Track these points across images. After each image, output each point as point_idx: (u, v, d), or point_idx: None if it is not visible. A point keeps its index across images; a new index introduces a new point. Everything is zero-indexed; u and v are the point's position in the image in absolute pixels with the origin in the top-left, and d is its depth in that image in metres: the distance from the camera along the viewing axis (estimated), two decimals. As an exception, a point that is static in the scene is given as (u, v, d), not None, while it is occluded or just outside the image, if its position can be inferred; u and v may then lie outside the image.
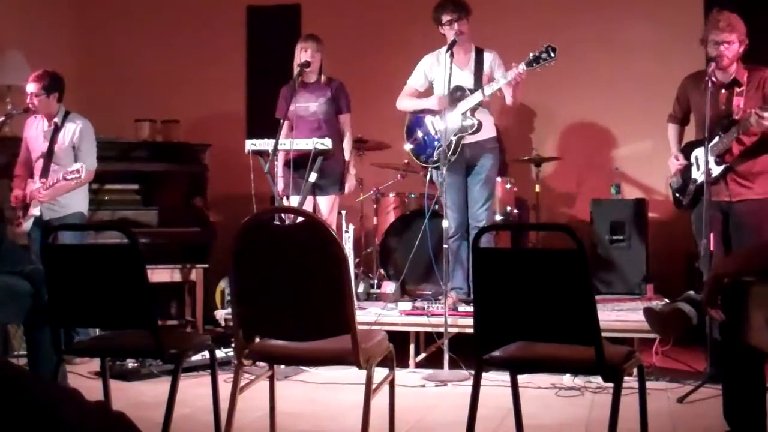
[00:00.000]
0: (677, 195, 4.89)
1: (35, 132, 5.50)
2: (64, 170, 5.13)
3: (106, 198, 6.24)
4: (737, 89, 4.58)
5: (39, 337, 3.65)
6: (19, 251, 4.13)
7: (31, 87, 5.38)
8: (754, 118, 4.32)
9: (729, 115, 4.56)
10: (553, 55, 4.97)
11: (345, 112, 5.65)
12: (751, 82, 4.58)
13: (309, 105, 5.59)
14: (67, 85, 5.54)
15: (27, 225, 5.28)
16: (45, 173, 5.29)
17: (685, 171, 4.82)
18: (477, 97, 5.25)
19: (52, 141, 5.37)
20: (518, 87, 5.17)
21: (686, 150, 4.87)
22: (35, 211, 5.26)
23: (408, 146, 5.58)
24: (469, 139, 5.35)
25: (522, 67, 5.03)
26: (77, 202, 5.43)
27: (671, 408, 4.07)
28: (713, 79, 4.53)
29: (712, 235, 4.41)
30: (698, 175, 4.69)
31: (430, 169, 5.49)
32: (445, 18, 5.30)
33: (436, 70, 5.44)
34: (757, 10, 5.65)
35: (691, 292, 3.27)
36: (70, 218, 5.35)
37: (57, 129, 5.40)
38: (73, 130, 5.41)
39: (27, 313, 3.68)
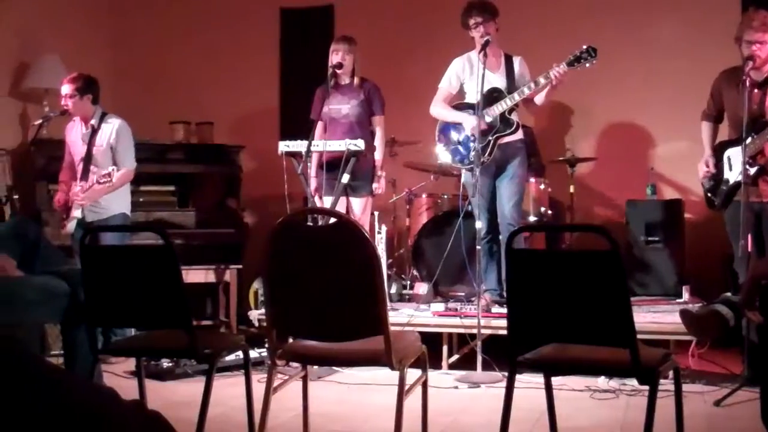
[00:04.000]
0: (709, 195, 4.85)
1: (75, 136, 5.57)
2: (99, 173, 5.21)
3: (141, 199, 6.31)
4: None
5: (75, 337, 3.68)
6: (55, 251, 4.18)
7: (65, 89, 5.45)
8: None
9: (762, 115, 4.49)
10: (594, 55, 4.98)
11: (378, 114, 5.66)
12: None
13: (342, 107, 5.60)
14: (102, 88, 5.59)
15: (71, 226, 5.35)
16: (85, 176, 5.36)
17: (717, 172, 4.76)
18: (517, 97, 5.24)
19: (90, 143, 5.44)
20: (555, 88, 5.16)
21: (718, 150, 4.81)
22: (76, 213, 5.32)
23: (441, 148, 5.55)
24: (502, 139, 5.34)
25: (563, 66, 5.02)
26: (119, 204, 5.48)
27: (708, 411, 4.02)
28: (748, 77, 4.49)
29: (748, 236, 4.35)
30: (731, 176, 4.63)
31: (464, 171, 5.49)
32: (472, 21, 5.30)
33: (467, 73, 5.42)
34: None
35: (728, 294, 3.24)
36: (112, 220, 5.41)
37: (94, 131, 5.46)
38: (109, 131, 5.47)
39: (63, 312, 3.72)
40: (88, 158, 5.42)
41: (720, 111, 4.87)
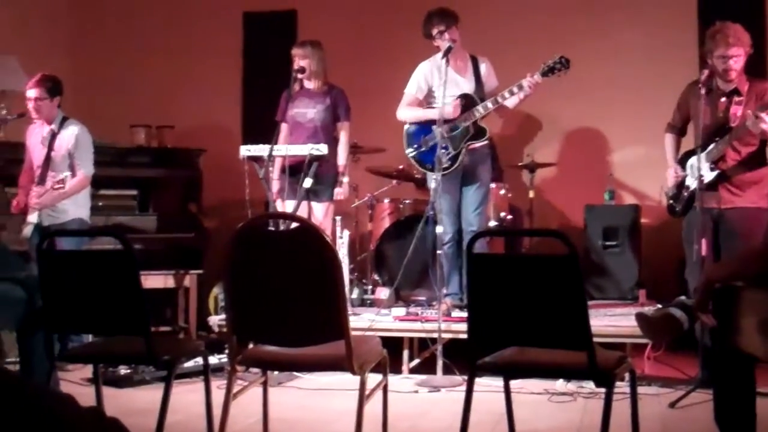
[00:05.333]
0: (671, 203, 4.94)
1: (35, 139, 5.50)
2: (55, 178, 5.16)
3: (100, 204, 6.24)
4: (736, 98, 4.61)
5: (32, 344, 3.64)
6: (12, 257, 4.13)
7: (33, 92, 5.36)
8: (751, 120, 4.36)
9: (726, 122, 4.60)
10: (567, 65, 5.10)
11: (343, 120, 5.68)
12: (750, 92, 4.61)
13: (307, 111, 5.62)
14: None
15: (27, 231, 5.27)
16: (42, 180, 5.29)
17: (681, 180, 4.86)
18: (490, 105, 5.30)
19: (50, 148, 5.38)
20: (528, 96, 5.24)
21: (684, 158, 4.89)
22: (32, 218, 5.25)
23: (411, 153, 5.55)
24: (471, 145, 5.38)
25: (537, 76, 5.11)
26: (77, 209, 5.42)
27: (663, 413, 4.09)
28: (713, 86, 4.60)
29: (703, 240, 4.44)
30: (692, 182, 4.72)
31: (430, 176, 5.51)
32: (435, 30, 5.35)
33: (436, 77, 5.44)
34: (748, 16, 5.70)
35: (683, 298, 3.29)
36: (69, 224, 5.35)
37: (54, 135, 5.40)
38: (69, 136, 5.41)
39: (20, 319, 3.68)
40: (46, 162, 5.35)
41: (685, 123, 4.93)
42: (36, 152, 5.46)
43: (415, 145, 5.51)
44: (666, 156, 5.03)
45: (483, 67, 5.50)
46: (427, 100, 5.56)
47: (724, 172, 4.62)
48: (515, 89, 5.20)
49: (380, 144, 6.41)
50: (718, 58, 4.55)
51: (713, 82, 4.66)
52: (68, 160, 5.38)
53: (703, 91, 4.52)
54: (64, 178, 5.04)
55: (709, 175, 4.60)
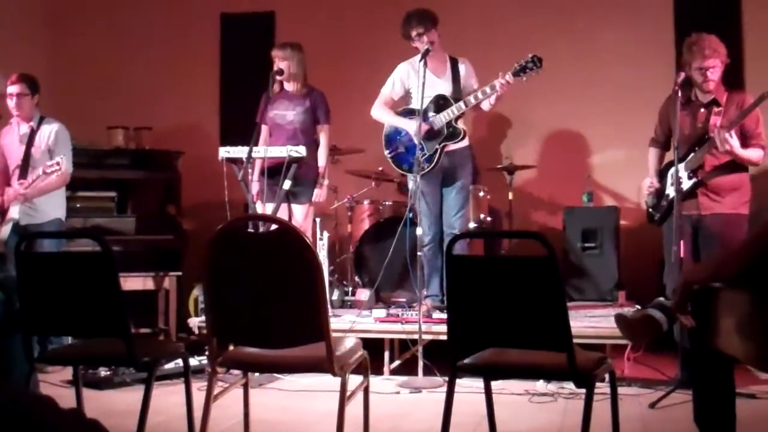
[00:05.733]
0: (651, 211, 4.97)
1: (11, 138, 5.47)
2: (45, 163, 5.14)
3: (78, 205, 6.20)
4: (715, 109, 4.66)
5: (11, 346, 3.61)
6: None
7: (16, 87, 5.36)
8: (719, 140, 4.42)
9: (705, 133, 4.64)
10: (539, 65, 5.06)
11: (323, 123, 5.66)
12: (729, 103, 4.65)
13: (287, 113, 5.61)
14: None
15: (5, 231, 5.23)
16: (23, 176, 5.26)
17: (661, 189, 4.90)
18: (463, 106, 5.30)
19: (29, 144, 5.35)
20: (501, 97, 5.23)
21: (666, 169, 4.93)
22: (13, 214, 5.21)
23: (388, 154, 5.57)
24: (449, 147, 5.39)
25: (509, 77, 5.09)
26: (55, 209, 5.40)
27: (643, 413, 4.11)
28: (692, 97, 4.65)
29: (681, 243, 4.47)
30: (671, 191, 4.76)
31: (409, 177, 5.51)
32: (414, 32, 5.36)
33: (413, 79, 5.45)
34: (725, 23, 5.76)
35: (662, 299, 3.31)
36: (48, 225, 5.32)
37: (33, 132, 5.38)
38: (48, 133, 5.40)
39: (-2, 321, 3.65)
40: (26, 159, 5.33)
41: (667, 137, 4.95)
42: (13, 151, 5.43)
43: (392, 147, 5.53)
44: (648, 169, 5.06)
45: (462, 69, 5.50)
46: (405, 101, 5.57)
47: (701, 179, 4.67)
48: (488, 90, 5.21)
49: (359, 145, 6.41)
50: (695, 70, 4.61)
51: (693, 92, 4.72)
52: (47, 156, 5.35)
53: (679, 94, 4.57)
54: (60, 161, 5.02)
55: (687, 183, 4.64)
